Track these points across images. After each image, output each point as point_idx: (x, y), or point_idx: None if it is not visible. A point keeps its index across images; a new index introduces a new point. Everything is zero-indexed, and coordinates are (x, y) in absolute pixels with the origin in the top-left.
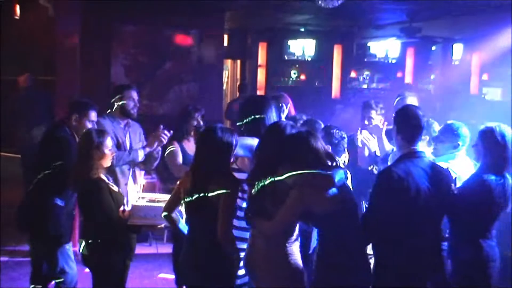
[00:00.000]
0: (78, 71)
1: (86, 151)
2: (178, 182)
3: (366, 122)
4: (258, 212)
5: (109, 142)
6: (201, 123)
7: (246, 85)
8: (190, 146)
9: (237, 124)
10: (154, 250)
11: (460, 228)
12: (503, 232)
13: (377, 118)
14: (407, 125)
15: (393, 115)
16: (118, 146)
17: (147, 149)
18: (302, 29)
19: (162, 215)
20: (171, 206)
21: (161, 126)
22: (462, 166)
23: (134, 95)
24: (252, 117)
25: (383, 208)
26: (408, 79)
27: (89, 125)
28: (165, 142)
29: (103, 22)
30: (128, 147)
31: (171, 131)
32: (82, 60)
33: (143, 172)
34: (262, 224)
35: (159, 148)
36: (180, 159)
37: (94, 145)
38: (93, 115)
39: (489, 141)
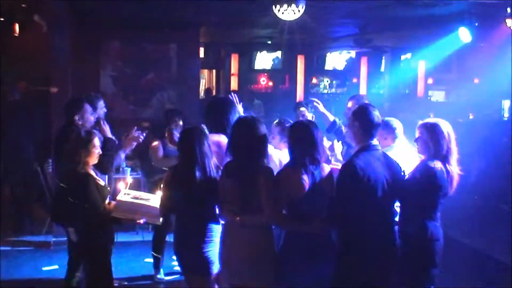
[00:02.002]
0: (70, 82)
1: (75, 148)
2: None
3: (301, 119)
4: (247, 204)
5: (96, 142)
6: (181, 123)
7: (210, 89)
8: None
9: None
10: (140, 238)
11: (409, 210)
12: (445, 214)
13: (309, 115)
14: (367, 121)
15: (351, 112)
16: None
17: (127, 151)
18: (269, 42)
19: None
20: (167, 205)
21: (135, 128)
22: (400, 156)
23: (103, 103)
24: (218, 116)
25: (348, 195)
26: (363, 84)
27: (92, 118)
28: (141, 141)
29: (93, 39)
30: None
31: (145, 132)
32: (74, 72)
33: (129, 169)
34: (253, 215)
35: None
36: (161, 153)
37: (83, 143)
38: (89, 108)
39: (435, 134)
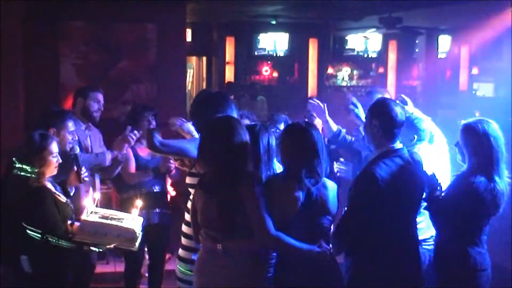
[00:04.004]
0: (22, 75)
1: (26, 156)
2: None
3: (306, 120)
4: (230, 226)
5: (54, 148)
6: (153, 123)
7: (230, 83)
8: (144, 149)
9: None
10: (112, 268)
11: (446, 234)
12: (493, 238)
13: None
14: (389, 119)
15: (368, 109)
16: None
17: (115, 153)
18: (273, 22)
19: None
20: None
21: (129, 127)
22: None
23: (100, 97)
24: (208, 115)
25: (365, 212)
26: (391, 74)
27: (70, 137)
28: (133, 143)
29: (47, 19)
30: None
31: (140, 132)
32: (27, 62)
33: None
34: (238, 241)
35: (125, 151)
36: (133, 165)
37: (35, 150)
38: (70, 125)
39: (471, 140)
